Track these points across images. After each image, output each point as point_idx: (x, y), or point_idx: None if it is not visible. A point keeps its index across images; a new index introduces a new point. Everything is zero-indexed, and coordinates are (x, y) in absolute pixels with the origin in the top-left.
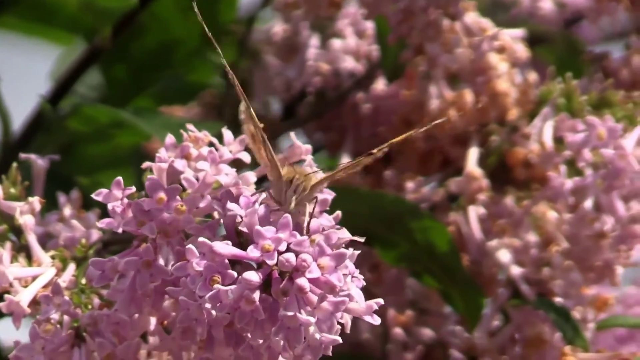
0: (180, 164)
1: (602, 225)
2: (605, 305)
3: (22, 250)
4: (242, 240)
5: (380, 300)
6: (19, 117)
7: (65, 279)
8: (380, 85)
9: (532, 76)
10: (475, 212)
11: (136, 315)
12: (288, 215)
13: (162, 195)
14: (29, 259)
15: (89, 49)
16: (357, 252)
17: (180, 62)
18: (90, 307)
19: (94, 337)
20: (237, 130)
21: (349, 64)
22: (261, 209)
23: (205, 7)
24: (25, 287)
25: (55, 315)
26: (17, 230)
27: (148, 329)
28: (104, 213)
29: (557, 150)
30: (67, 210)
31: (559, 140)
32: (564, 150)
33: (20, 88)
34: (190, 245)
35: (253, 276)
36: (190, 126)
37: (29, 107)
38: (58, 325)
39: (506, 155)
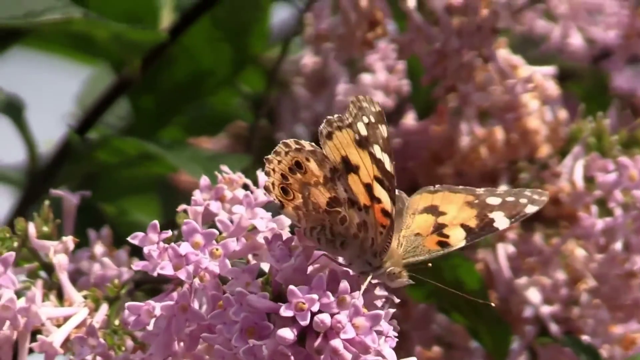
0: (215, 207)
1: (632, 265)
2: (633, 344)
3: (53, 287)
4: (282, 289)
5: (413, 359)
6: (41, 134)
7: (98, 320)
8: (410, 120)
9: (562, 114)
10: (504, 250)
11: (170, 358)
12: (322, 275)
13: (198, 239)
14: (60, 296)
15: (117, 80)
16: (392, 311)
17: (208, 92)
18: (123, 348)
19: None
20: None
21: (378, 98)
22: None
23: (236, 38)
24: (57, 326)
25: (89, 358)
26: (48, 268)
27: None
28: (134, 249)
29: (588, 190)
30: (98, 248)
31: (589, 179)
32: (594, 190)
33: (44, 105)
34: (228, 294)
35: (287, 333)
36: (224, 168)
37: (51, 123)
38: None
39: None
